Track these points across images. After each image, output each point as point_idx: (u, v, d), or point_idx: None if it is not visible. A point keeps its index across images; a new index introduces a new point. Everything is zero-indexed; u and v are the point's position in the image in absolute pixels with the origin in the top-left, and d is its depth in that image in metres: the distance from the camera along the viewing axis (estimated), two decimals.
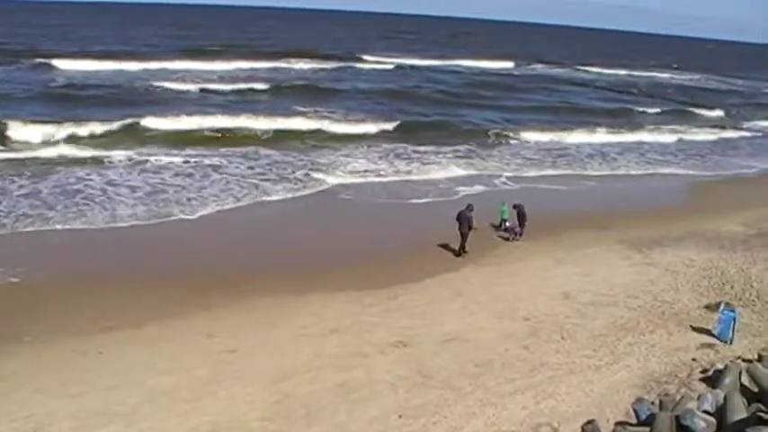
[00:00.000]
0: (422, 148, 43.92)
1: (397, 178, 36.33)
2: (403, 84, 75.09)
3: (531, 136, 50.81)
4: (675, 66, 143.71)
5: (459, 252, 25.68)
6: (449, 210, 28.75)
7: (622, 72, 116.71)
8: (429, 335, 18.23)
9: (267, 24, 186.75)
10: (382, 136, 46.83)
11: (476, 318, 19.51)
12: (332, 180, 34.82)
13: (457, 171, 39.02)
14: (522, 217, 27.21)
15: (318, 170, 36.64)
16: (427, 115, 56.54)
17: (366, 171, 37.35)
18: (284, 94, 61.20)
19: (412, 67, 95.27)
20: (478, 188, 35.78)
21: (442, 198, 33.26)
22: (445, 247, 25.76)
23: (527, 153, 45.92)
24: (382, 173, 37.18)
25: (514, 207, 27.39)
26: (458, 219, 25.70)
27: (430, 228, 27.71)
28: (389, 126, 49.26)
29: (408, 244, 25.62)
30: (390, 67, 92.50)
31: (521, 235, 27.21)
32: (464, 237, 25.64)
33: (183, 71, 72.44)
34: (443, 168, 39.32)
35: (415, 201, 32.47)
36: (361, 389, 15.26)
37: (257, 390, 15.13)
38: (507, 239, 27.17)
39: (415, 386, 15.43)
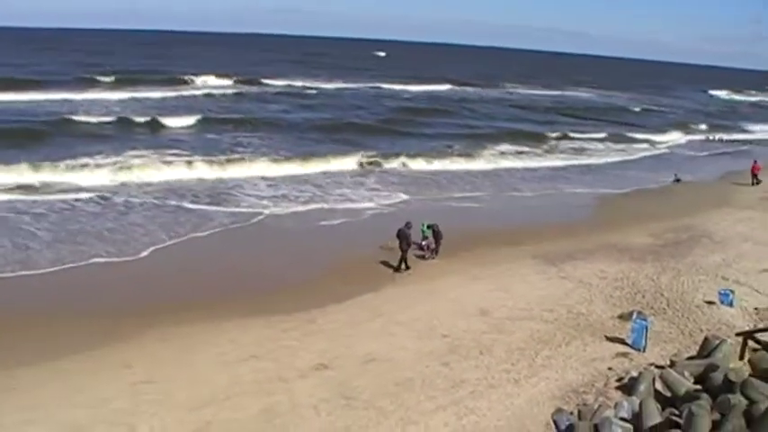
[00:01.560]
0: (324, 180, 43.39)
1: (310, 207, 35.90)
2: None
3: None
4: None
5: (399, 267, 26.08)
6: (361, 231, 28.89)
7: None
8: (349, 356, 18.20)
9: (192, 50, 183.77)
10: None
11: (395, 337, 19.54)
12: (245, 208, 34.28)
13: (363, 193, 39.05)
14: (437, 236, 27.44)
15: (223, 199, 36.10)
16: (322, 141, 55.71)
17: (274, 197, 36.84)
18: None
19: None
20: (386, 205, 36.07)
21: (354, 219, 33.28)
22: (362, 267, 25.72)
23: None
24: (292, 199, 36.73)
25: (429, 226, 27.61)
26: (398, 236, 26.07)
27: (346, 249, 27.71)
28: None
29: (326, 266, 25.46)
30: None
31: (436, 253, 27.40)
32: (404, 253, 26.04)
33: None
34: (351, 191, 39.21)
35: (326, 223, 32.29)
36: (284, 414, 15.14)
37: (176, 419, 14.84)
38: (424, 258, 27.30)
39: (337, 408, 15.38)
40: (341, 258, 26.51)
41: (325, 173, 43.19)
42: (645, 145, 67.95)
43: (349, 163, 45.83)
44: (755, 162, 50.00)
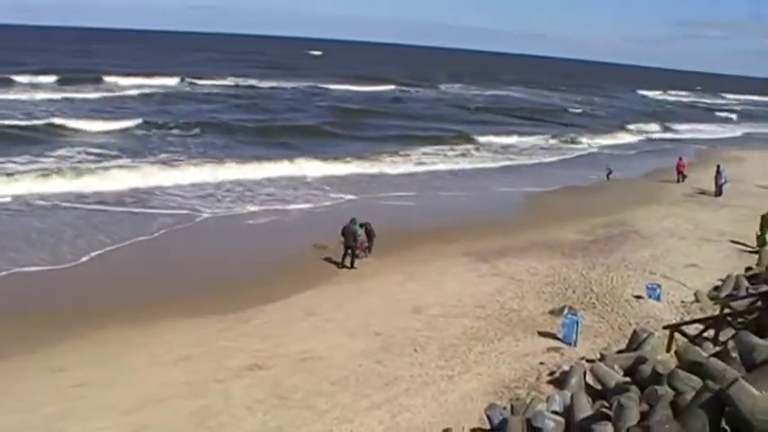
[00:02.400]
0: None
1: (245, 208, 35.45)
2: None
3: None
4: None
5: (344, 264, 26.38)
6: (294, 230, 28.84)
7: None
8: (284, 356, 18.13)
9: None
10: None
11: (329, 336, 19.53)
12: (179, 210, 33.69)
13: (297, 193, 38.93)
14: (369, 234, 27.42)
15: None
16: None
17: (209, 199, 36.22)
18: None
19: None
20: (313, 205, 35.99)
21: (287, 219, 33.25)
22: (296, 267, 25.58)
23: None
24: (226, 200, 36.28)
25: (361, 225, 27.57)
26: (343, 234, 26.24)
27: (279, 249, 27.60)
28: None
29: (260, 266, 25.27)
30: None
31: (369, 251, 27.40)
32: (352, 250, 26.26)
33: None
34: (285, 192, 39.04)
35: (258, 223, 32.14)
36: (218, 414, 15.01)
37: (109, 423, 14.61)
38: (357, 257, 27.27)
39: (272, 408, 15.30)
40: (275, 258, 26.36)
41: (259, 174, 42.54)
42: (576, 144, 68.90)
43: (284, 164, 45.27)
44: (680, 159, 51.08)
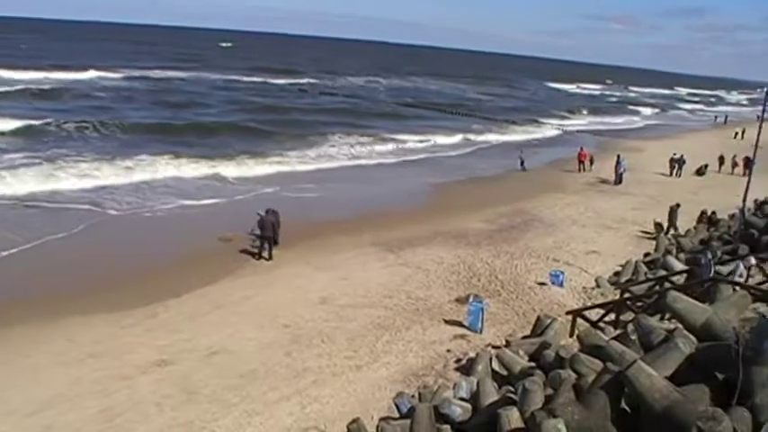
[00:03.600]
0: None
1: (146, 204, 34.52)
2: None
3: None
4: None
5: (262, 255, 26.28)
6: (198, 224, 28.51)
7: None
8: (192, 350, 17.93)
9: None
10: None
11: (237, 329, 19.36)
12: (79, 204, 32.53)
13: (196, 188, 38.30)
14: (275, 225, 27.15)
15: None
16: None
17: (107, 196, 34.70)
18: None
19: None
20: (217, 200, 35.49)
21: (190, 213, 32.55)
22: (202, 260, 25.19)
23: None
24: (126, 198, 34.76)
25: (268, 213, 27.29)
26: (261, 225, 26.05)
27: (185, 243, 27.07)
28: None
29: (166, 261, 24.82)
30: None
31: (276, 242, 27.16)
32: (269, 241, 26.13)
33: None
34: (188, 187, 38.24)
35: (163, 218, 31.45)
36: (126, 412, 14.77)
37: (13, 426, 14.24)
38: (277, 245, 26.98)
39: (181, 403, 15.15)
40: (180, 252, 25.87)
41: (161, 171, 41.18)
42: (485, 135, 69.32)
43: (187, 160, 44.18)
44: (582, 149, 52.31)
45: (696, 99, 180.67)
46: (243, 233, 26.86)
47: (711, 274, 17.65)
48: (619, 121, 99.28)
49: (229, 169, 42.74)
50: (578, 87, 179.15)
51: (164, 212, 32.32)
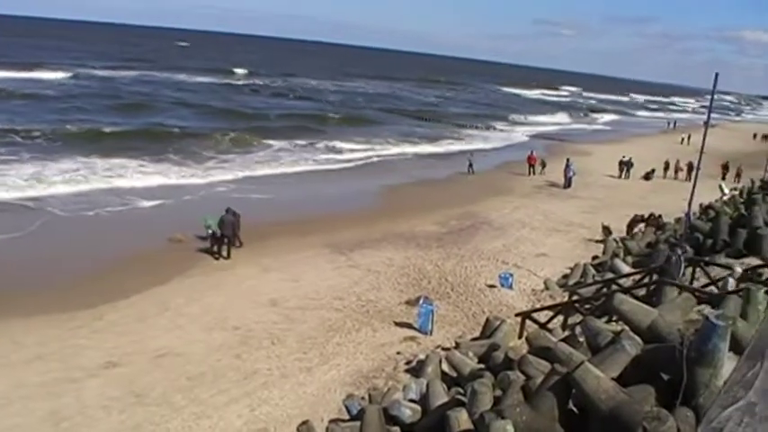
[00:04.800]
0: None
1: (95, 203, 33.94)
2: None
3: None
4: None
5: (220, 254, 26.49)
6: (148, 224, 28.24)
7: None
8: (140, 353, 17.74)
9: None
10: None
11: (185, 331, 19.21)
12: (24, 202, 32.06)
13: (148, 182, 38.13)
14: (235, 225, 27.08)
15: None
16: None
17: (52, 199, 33.98)
18: None
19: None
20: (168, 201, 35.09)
21: (139, 212, 32.29)
22: (150, 261, 24.90)
23: None
24: (76, 198, 34.15)
25: (227, 212, 27.12)
26: (221, 224, 26.17)
27: (133, 243, 26.69)
28: None
29: (113, 261, 24.48)
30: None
31: (238, 243, 27.11)
32: (229, 240, 26.36)
33: None
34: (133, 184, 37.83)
35: (112, 217, 31.04)
36: (73, 416, 14.56)
37: None
38: (213, 250, 26.79)
39: (128, 406, 14.99)
40: (129, 253, 25.52)
41: (112, 172, 40.68)
42: (437, 139, 69.40)
43: (134, 161, 43.59)
44: (532, 153, 52.96)
45: (654, 106, 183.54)
46: (192, 234, 26.67)
47: (682, 272, 17.83)
48: (572, 126, 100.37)
49: (176, 171, 42.30)
50: (532, 92, 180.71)
51: (110, 214, 31.77)
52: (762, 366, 1.99)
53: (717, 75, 23.61)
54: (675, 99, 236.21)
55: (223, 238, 26.37)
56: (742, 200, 32.35)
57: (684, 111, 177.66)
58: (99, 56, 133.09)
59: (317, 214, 33.19)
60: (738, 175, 52.97)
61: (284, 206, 35.20)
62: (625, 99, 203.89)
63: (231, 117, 69.18)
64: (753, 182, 37.52)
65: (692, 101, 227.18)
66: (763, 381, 1.88)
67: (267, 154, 52.11)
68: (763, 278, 16.61)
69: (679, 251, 19.60)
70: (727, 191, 39.27)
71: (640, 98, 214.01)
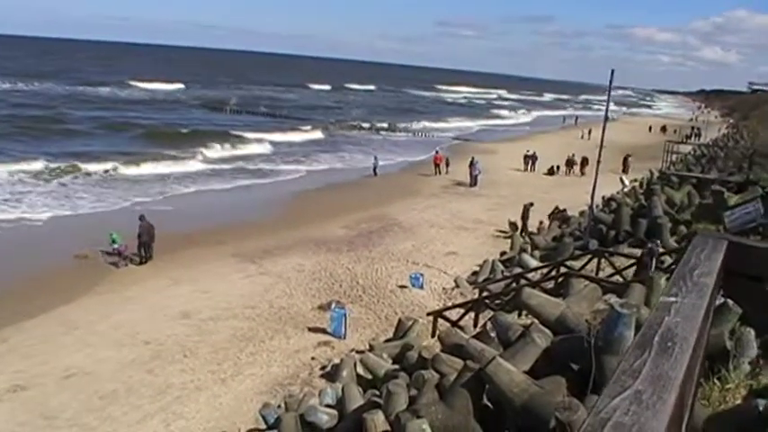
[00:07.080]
0: None
1: None
2: None
3: None
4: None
5: (146, 260, 27.10)
6: (50, 241, 27.50)
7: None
8: (48, 374, 17.25)
9: None
10: None
11: (95, 349, 18.78)
12: None
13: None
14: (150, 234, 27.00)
15: None
16: None
17: None
18: None
19: None
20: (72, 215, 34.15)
21: (36, 229, 31.06)
22: (54, 278, 24.16)
23: None
24: None
25: (142, 219, 26.88)
26: (140, 233, 26.83)
27: (33, 261, 25.81)
28: None
29: (14, 281, 23.53)
30: None
31: (150, 255, 27.11)
32: (147, 246, 26.95)
33: None
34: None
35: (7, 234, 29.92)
36: None
37: None
38: (117, 266, 26.27)
39: (38, 430, 14.59)
40: (32, 272, 24.64)
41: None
42: (340, 143, 69.40)
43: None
44: (437, 153, 53.47)
45: (562, 103, 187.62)
46: (98, 250, 26.15)
47: (653, 265, 17.92)
48: (474, 124, 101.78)
49: (75, 183, 41.15)
50: (436, 92, 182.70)
51: (3, 231, 30.56)
52: (650, 354, 2.07)
53: (613, 71, 24.45)
54: (590, 95, 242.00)
55: (142, 244, 26.88)
56: (642, 191, 33.39)
57: (588, 107, 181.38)
58: None
59: (224, 223, 32.71)
60: (625, 170, 52.41)
61: (188, 218, 34.23)
62: (540, 98, 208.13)
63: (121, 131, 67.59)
64: (651, 173, 38.59)
65: (595, 97, 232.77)
66: (650, 368, 1.95)
67: (164, 164, 49.14)
68: (665, 266, 17.18)
69: (650, 245, 19.58)
70: (627, 183, 40.49)
71: (554, 97, 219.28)
